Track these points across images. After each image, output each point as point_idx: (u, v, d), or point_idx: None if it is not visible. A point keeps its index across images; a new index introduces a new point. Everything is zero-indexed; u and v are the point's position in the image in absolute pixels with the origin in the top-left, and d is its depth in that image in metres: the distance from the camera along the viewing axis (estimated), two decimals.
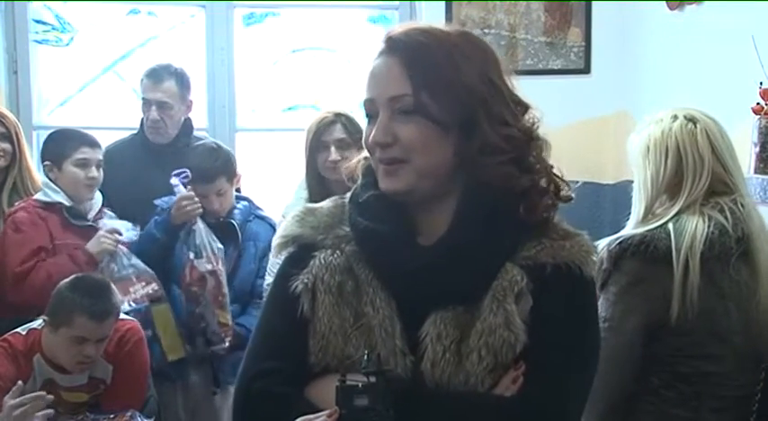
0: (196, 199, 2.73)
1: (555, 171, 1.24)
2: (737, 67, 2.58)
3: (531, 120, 1.23)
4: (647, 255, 1.75)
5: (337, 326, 1.19)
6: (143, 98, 3.04)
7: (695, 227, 1.74)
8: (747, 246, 1.77)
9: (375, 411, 1.07)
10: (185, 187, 2.73)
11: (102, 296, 2.34)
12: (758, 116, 2.35)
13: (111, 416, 2.38)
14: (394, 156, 1.16)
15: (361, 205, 1.24)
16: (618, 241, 1.78)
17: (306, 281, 1.21)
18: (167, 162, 2.99)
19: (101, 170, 2.80)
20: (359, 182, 1.28)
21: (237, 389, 1.24)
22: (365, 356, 1.12)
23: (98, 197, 2.86)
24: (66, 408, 2.42)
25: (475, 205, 1.18)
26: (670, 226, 1.77)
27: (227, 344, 2.70)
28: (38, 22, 3.67)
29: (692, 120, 1.84)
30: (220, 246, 2.74)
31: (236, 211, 2.89)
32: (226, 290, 2.71)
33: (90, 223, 2.78)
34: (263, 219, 2.95)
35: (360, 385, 1.09)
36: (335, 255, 1.22)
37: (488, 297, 1.15)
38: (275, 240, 1.31)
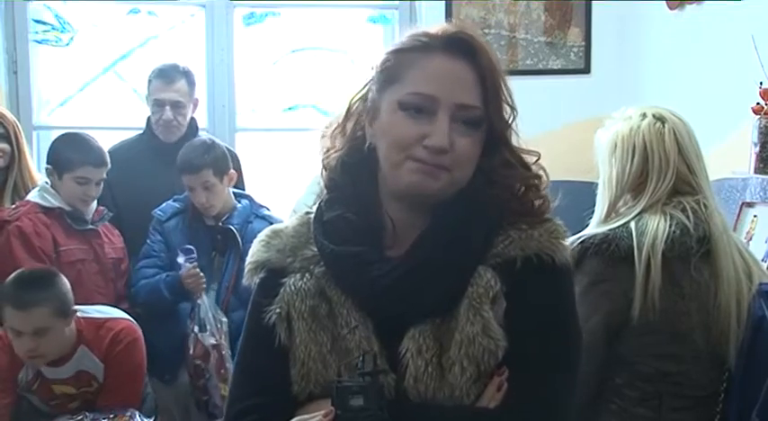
0: (201, 275, 2.72)
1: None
2: (737, 67, 2.57)
3: None
4: (609, 254, 1.73)
5: (315, 352, 1.16)
6: (155, 99, 3.02)
7: (657, 226, 1.73)
8: (709, 246, 1.76)
9: (370, 411, 1.07)
10: (190, 264, 2.72)
11: (32, 287, 2.30)
12: (758, 116, 2.34)
13: (111, 415, 2.38)
14: (443, 164, 1.12)
15: (326, 225, 1.20)
16: (579, 240, 1.76)
17: (279, 310, 1.18)
18: (174, 161, 2.99)
19: (100, 186, 2.76)
20: (323, 197, 1.24)
21: None
22: (361, 357, 1.11)
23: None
24: (60, 401, 2.43)
25: (449, 213, 1.16)
26: (632, 225, 1.75)
27: None
28: (38, 22, 3.67)
29: (660, 119, 1.83)
30: (224, 319, 2.73)
31: (235, 213, 2.87)
32: (229, 363, 2.69)
33: (92, 227, 2.77)
34: (264, 218, 2.89)
35: (355, 385, 1.09)
36: (305, 279, 1.19)
37: (464, 305, 1.12)
38: (246, 267, 1.28)
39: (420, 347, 1.12)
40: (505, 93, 1.18)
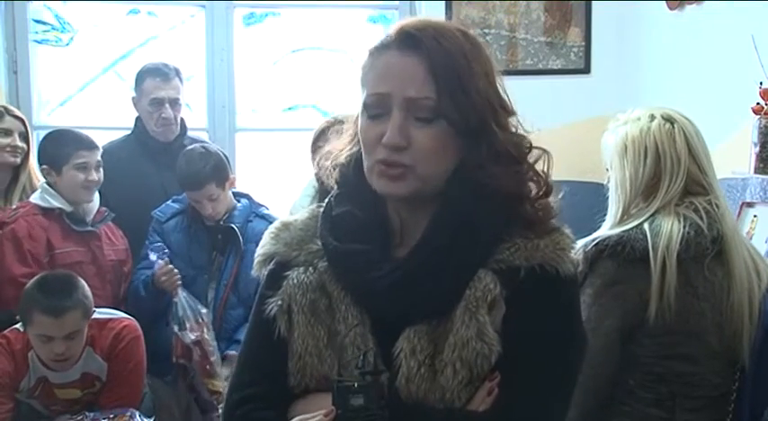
0: (175, 271, 2.71)
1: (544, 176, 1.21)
2: (737, 67, 2.57)
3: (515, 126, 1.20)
4: (624, 255, 1.73)
5: (312, 346, 1.17)
6: (153, 98, 3.01)
7: (671, 227, 1.73)
8: (722, 246, 1.76)
9: (370, 411, 1.07)
10: (162, 260, 2.72)
11: (62, 292, 2.31)
12: (758, 116, 2.34)
13: (111, 415, 2.39)
14: (402, 161, 1.11)
15: (333, 220, 1.21)
16: (594, 242, 1.76)
17: (280, 302, 1.19)
18: (166, 161, 3.00)
19: (100, 171, 2.77)
20: (333, 192, 1.25)
21: (222, 416, 1.24)
22: (361, 356, 1.11)
23: (95, 199, 2.84)
24: (61, 405, 2.43)
25: (451, 212, 1.15)
26: (646, 226, 1.75)
27: (219, 411, 2.68)
28: (38, 22, 3.67)
29: (669, 120, 1.83)
30: (204, 310, 2.72)
31: (235, 213, 2.87)
32: (214, 357, 2.69)
33: (90, 228, 2.76)
34: (263, 217, 2.91)
35: (355, 385, 1.09)
36: (308, 273, 1.20)
37: (460, 308, 1.12)
38: (255, 258, 1.29)
39: (414, 348, 1.12)
40: (479, 81, 1.13)
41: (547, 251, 1.15)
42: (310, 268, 1.20)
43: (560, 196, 1.22)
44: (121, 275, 2.85)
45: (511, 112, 1.19)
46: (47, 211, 2.70)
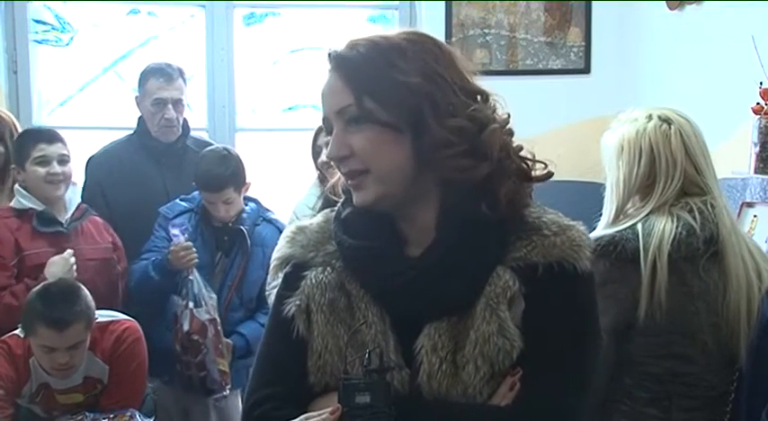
0: (193, 249, 2.71)
1: (524, 153, 1.20)
2: (737, 67, 2.58)
3: (492, 107, 1.19)
4: (615, 255, 1.74)
5: (332, 345, 1.18)
6: (156, 98, 2.98)
7: (663, 227, 1.73)
8: (717, 247, 1.76)
9: (376, 408, 1.08)
10: (184, 236, 2.72)
11: (64, 304, 2.27)
12: (758, 116, 2.35)
13: (111, 415, 2.39)
14: (353, 168, 1.16)
15: (344, 221, 1.23)
16: None
17: (299, 302, 1.21)
18: (168, 162, 3.00)
19: (66, 165, 2.70)
20: (342, 198, 1.27)
21: (242, 416, 1.25)
22: (367, 354, 1.12)
23: (74, 196, 2.78)
24: (63, 410, 2.42)
25: (456, 208, 1.16)
26: (639, 226, 1.76)
27: (227, 391, 2.70)
28: (38, 22, 3.67)
29: (666, 120, 1.83)
30: (214, 295, 2.73)
31: (244, 216, 2.86)
32: (224, 338, 2.71)
33: (61, 229, 2.67)
34: (270, 222, 2.92)
35: (361, 383, 1.09)
36: (326, 273, 1.22)
37: (481, 304, 1.13)
38: (271, 262, 1.31)
39: (435, 344, 1.14)
40: (408, 77, 1.13)
41: (564, 248, 1.16)
42: (328, 268, 1.22)
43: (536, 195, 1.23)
44: (113, 274, 2.79)
45: (466, 97, 1.16)
46: (20, 213, 2.65)
